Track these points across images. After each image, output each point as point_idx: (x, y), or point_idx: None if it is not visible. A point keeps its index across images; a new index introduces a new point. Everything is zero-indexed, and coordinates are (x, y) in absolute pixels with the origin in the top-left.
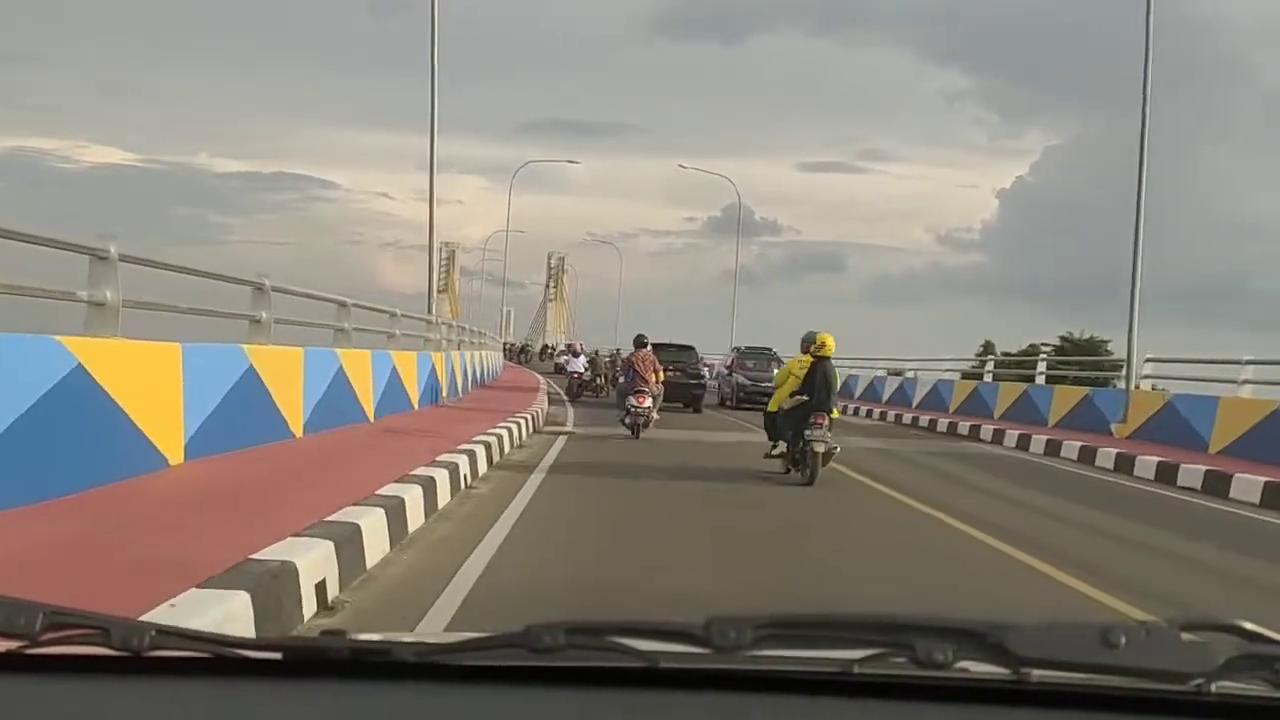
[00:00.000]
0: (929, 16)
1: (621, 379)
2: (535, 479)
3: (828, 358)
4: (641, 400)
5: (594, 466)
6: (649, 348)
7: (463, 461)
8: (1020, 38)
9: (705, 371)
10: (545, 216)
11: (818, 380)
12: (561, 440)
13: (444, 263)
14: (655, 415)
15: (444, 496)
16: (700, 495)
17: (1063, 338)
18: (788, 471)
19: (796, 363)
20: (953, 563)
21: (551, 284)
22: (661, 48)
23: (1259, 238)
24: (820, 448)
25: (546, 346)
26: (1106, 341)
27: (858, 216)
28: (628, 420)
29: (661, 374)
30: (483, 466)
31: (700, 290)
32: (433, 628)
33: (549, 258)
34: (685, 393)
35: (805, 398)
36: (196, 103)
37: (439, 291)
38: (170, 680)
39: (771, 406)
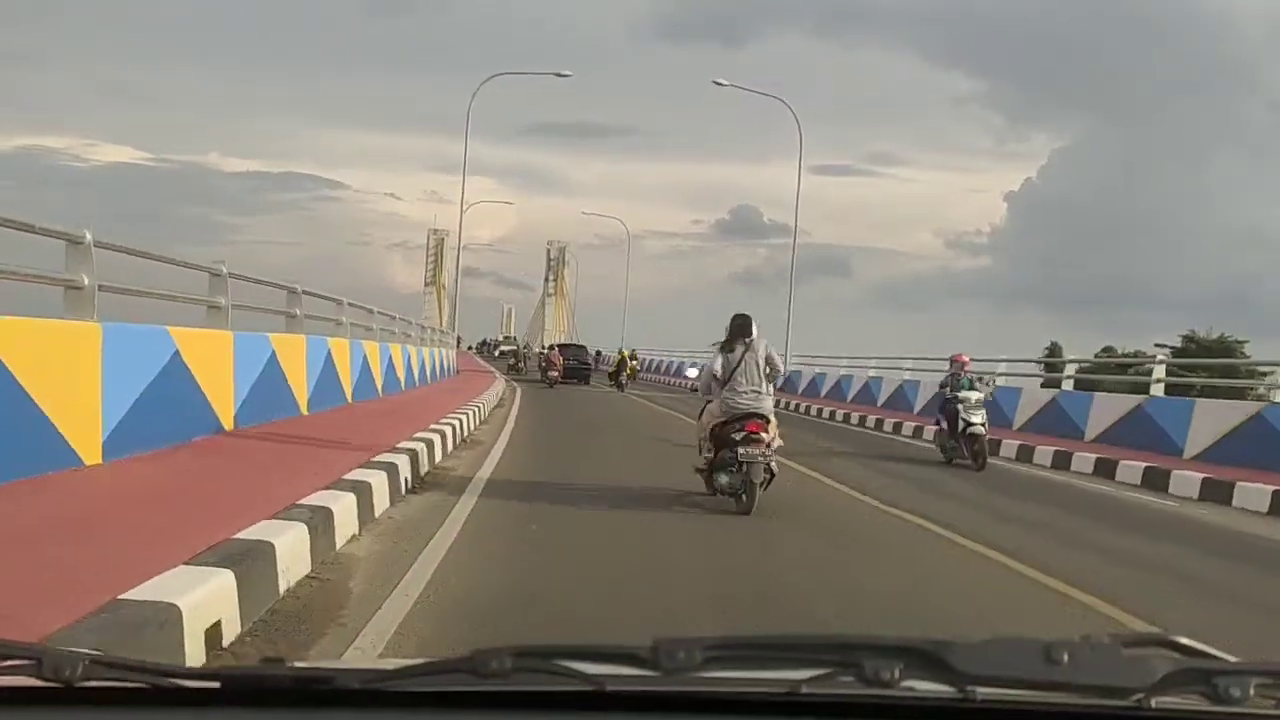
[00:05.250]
0: (932, 18)
1: (544, 364)
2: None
3: (632, 356)
4: (551, 371)
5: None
6: (556, 349)
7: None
8: (1026, 40)
9: (591, 361)
10: (552, 219)
11: (623, 362)
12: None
13: (432, 254)
14: (559, 378)
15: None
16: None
17: (1185, 337)
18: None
19: (622, 354)
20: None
21: (551, 277)
22: (664, 50)
23: (1270, 245)
24: (624, 380)
25: (494, 343)
26: (1243, 343)
27: (866, 220)
28: (545, 381)
29: (561, 361)
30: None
31: (706, 292)
32: None
33: (549, 248)
34: (580, 373)
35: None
36: (207, 103)
37: (426, 285)
38: (104, 712)
39: (610, 370)
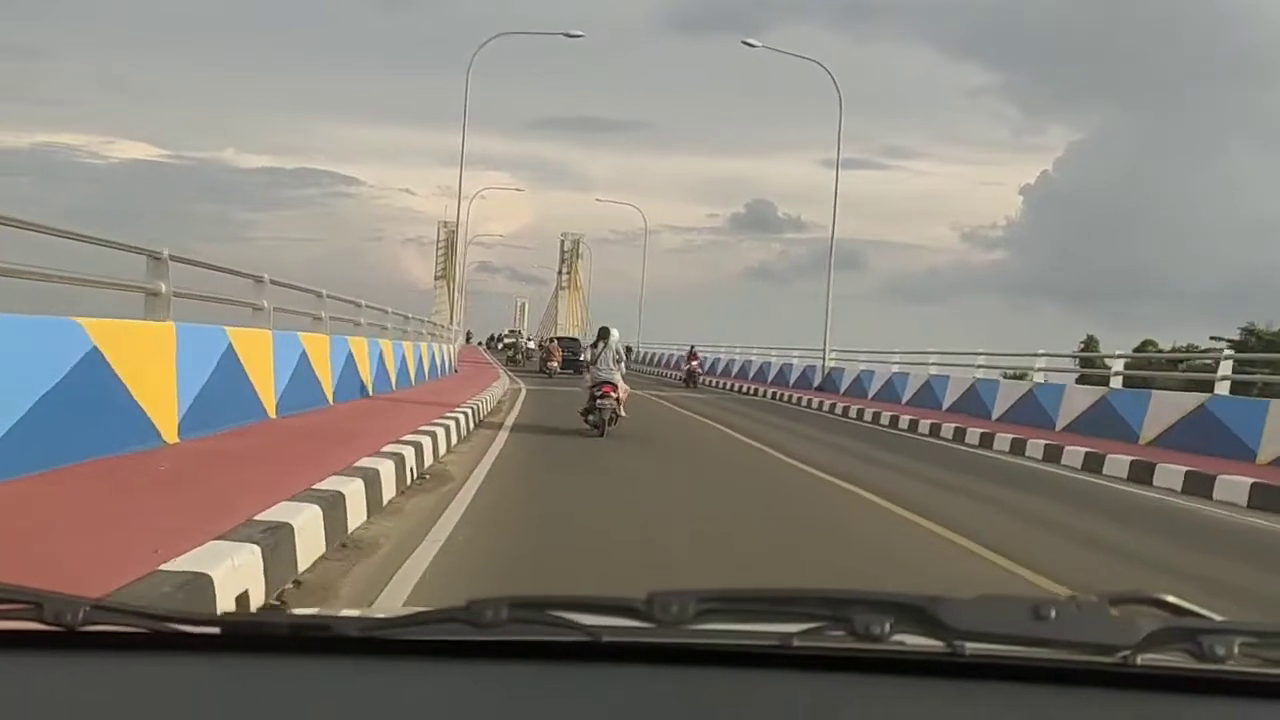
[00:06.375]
0: (947, 10)
1: (541, 355)
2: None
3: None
4: (551, 362)
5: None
6: (555, 342)
7: None
8: (1041, 32)
9: (585, 353)
10: (566, 214)
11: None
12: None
13: (442, 247)
14: (559, 369)
15: None
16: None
17: (1245, 330)
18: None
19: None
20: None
21: (565, 269)
22: (677, 43)
23: None
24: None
25: (493, 337)
26: None
27: (880, 213)
28: (545, 371)
29: (560, 354)
30: None
31: (721, 287)
32: None
33: (562, 239)
34: (573, 364)
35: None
36: (223, 99)
37: (437, 278)
38: (105, 656)
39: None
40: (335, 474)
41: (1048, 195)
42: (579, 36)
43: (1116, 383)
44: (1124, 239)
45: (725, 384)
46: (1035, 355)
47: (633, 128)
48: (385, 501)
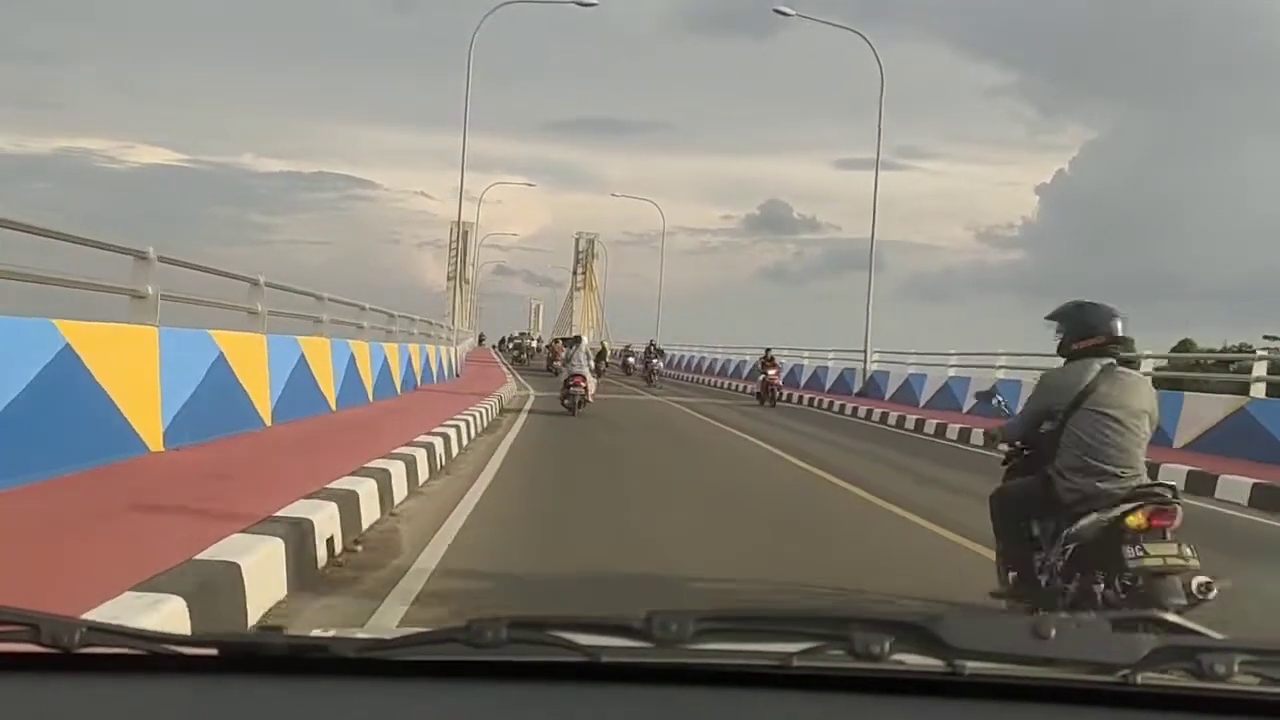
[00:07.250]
0: (963, 10)
1: (547, 354)
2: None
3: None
4: (555, 361)
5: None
6: (560, 342)
7: None
8: (1057, 31)
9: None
10: (582, 216)
11: (603, 353)
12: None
13: (454, 245)
14: (561, 367)
15: None
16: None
17: None
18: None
19: (604, 345)
20: None
21: (580, 269)
22: (692, 44)
23: None
24: (601, 368)
25: (504, 339)
26: None
27: (897, 214)
28: (551, 370)
29: (564, 352)
30: None
31: (736, 288)
32: None
33: (577, 239)
34: None
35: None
36: (241, 103)
37: (449, 279)
38: (102, 678)
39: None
40: (133, 588)
41: (1064, 195)
42: (592, 5)
43: (1258, 390)
44: (1140, 238)
45: (748, 388)
46: (1152, 357)
47: (648, 129)
48: (252, 621)
